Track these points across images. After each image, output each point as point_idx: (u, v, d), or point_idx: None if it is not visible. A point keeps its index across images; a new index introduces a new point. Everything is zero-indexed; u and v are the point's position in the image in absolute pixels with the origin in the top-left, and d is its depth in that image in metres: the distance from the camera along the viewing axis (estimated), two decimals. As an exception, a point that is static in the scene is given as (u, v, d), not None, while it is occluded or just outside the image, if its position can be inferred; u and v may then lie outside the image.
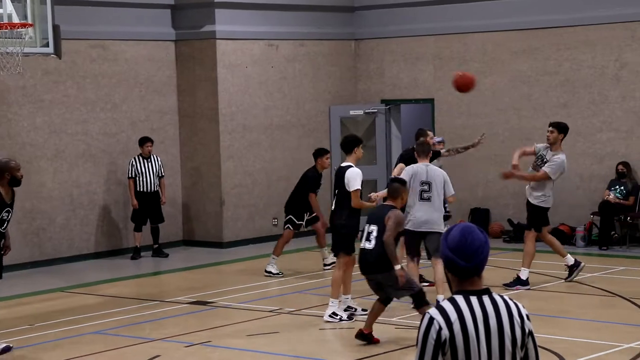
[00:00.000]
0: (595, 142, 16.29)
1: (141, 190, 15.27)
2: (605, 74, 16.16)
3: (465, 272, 3.88)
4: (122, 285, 13.35)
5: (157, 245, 15.57)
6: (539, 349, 3.98)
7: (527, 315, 3.94)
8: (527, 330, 3.91)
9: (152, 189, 15.32)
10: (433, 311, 3.85)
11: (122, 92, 15.90)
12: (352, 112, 18.22)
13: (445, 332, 3.80)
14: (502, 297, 3.95)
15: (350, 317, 10.59)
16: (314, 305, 11.54)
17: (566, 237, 15.84)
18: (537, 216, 12.60)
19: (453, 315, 3.82)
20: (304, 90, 17.65)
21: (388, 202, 9.76)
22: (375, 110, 18.20)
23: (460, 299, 3.87)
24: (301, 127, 17.67)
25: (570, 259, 12.68)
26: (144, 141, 15.38)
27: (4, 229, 9.63)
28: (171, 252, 15.83)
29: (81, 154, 15.41)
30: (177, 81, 16.62)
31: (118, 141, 15.84)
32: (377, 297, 9.64)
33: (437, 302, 9.38)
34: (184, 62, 16.59)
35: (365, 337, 9.54)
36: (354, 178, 10.54)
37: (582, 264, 12.66)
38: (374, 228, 9.49)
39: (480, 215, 17.13)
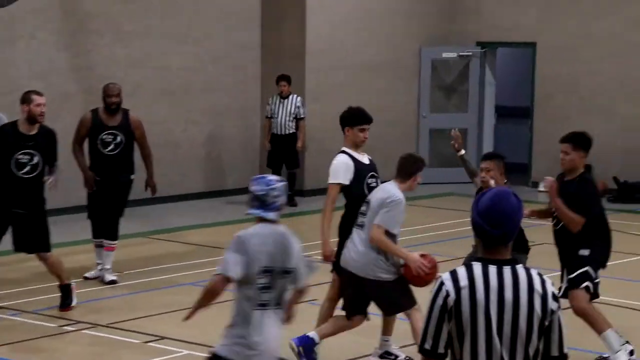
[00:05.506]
0: None
1: (274, 132, 15.03)
2: None
3: (491, 238, 3.82)
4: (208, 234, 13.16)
5: (290, 192, 15.23)
6: (565, 334, 3.82)
7: (554, 294, 3.80)
8: (549, 310, 3.77)
9: (286, 131, 15.02)
10: (445, 276, 3.85)
11: (204, 25, 15.57)
12: (444, 54, 17.77)
13: (452, 299, 3.79)
14: (527, 269, 3.80)
15: None
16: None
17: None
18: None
19: (464, 282, 3.79)
20: (395, 29, 17.18)
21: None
22: (470, 53, 17.71)
23: (477, 266, 3.83)
24: (390, 68, 17.22)
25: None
26: (277, 80, 15.11)
27: (110, 151, 10.25)
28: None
29: (160, 89, 15.14)
30: (261, 14, 16.25)
31: (198, 77, 15.56)
32: None
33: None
34: (270, -6, 16.21)
35: None
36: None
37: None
38: None
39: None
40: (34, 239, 9.14)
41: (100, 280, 10.32)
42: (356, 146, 7.92)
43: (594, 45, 16.49)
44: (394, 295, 7.61)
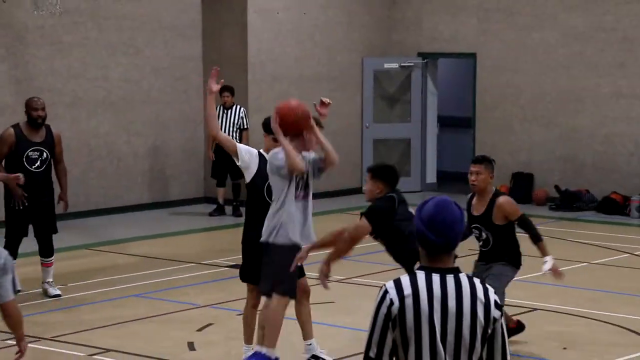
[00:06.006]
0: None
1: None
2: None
3: (434, 247, 3.85)
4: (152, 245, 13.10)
5: (236, 203, 15.13)
6: (507, 342, 3.88)
7: (497, 302, 3.86)
8: (492, 318, 3.83)
9: None
10: (389, 284, 3.86)
11: (145, 37, 15.54)
12: (386, 65, 17.92)
13: (395, 307, 3.81)
14: (470, 278, 3.86)
15: None
16: (366, 274, 11.31)
17: (619, 207, 15.61)
18: None
19: (407, 290, 3.82)
20: (337, 40, 17.30)
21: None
22: (412, 64, 17.88)
23: (420, 274, 3.86)
24: (332, 79, 17.33)
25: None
26: (220, 91, 15.00)
27: (36, 168, 9.92)
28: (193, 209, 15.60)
29: (100, 101, 15.07)
30: (202, 25, 16.25)
31: (140, 88, 15.52)
32: None
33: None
34: (211, 5, 16.20)
35: None
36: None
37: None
38: None
39: (522, 181, 16.89)
40: None
41: (44, 293, 10.22)
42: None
43: (532, 56, 16.74)
44: (270, 268, 7.46)
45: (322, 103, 8.05)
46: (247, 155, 7.82)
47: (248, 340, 7.95)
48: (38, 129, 10.04)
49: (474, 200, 8.16)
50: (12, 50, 14.04)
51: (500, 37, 17.01)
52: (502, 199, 7.97)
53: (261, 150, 7.94)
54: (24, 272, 10.86)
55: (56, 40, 14.44)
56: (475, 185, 7.99)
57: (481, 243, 8.22)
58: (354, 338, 8.34)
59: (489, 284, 3.92)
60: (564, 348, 8.62)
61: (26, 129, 10.02)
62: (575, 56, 16.40)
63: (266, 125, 7.89)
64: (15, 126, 10.12)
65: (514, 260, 8.15)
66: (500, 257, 8.07)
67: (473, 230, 8.24)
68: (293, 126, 7.41)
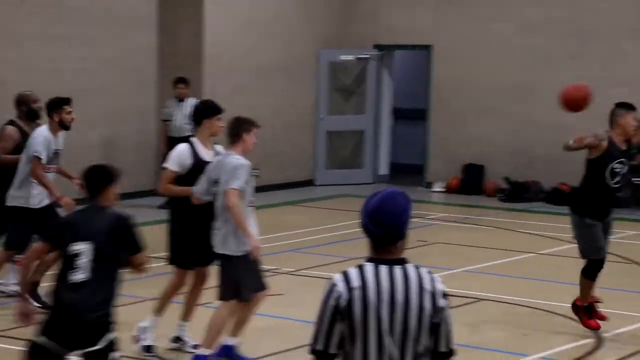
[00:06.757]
0: (606, 99, 16.16)
1: (171, 135, 14.78)
2: (622, 26, 16.01)
3: (377, 239, 3.88)
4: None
5: None
6: (452, 331, 3.94)
7: (443, 292, 3.93)
8: (438, 307, 3.89)
9: (183, 134, 14.93)
10: (337, 277, 3.89)
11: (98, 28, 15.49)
12: (342, 57, 18.00)
13: (344, 299, 3.84)
14: (417, 268, 3.93)
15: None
16: (314, 266, 11.38)
17: (567, 197, 15.76)
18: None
19: (356, 282, 3.85)
20: (293, 31, 17.33)
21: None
22: (368, 56, 17.96)
23: (369, 266, 3.89)
24: (288, 70, 17.36)
25: None
26: (175, 82, 14.99)
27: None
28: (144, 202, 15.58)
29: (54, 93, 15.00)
30: (158, 17, 16.22)
31: (94, 80, 15.47)
32: None
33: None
34: (167, -4, 16.20)
35: None
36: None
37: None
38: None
39: (473, 172, 17.04)
40: None
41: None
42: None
43: (487, 49, 16.87)
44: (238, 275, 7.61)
45: None
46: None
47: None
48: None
49: None
50: None
51: (456, 29, 17.12)
52: None
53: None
54: None
55: (9, 32, 14.32)
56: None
57: None
58: (303, 330, 8.39)
59: None
60: (525, 335, 8.73)
61: (25, 124, 10.04)
62: (530, 48, 16.55)
63: (208, 110, 8.23)
64: (12, 122, 10.04)
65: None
66: None
67: None
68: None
